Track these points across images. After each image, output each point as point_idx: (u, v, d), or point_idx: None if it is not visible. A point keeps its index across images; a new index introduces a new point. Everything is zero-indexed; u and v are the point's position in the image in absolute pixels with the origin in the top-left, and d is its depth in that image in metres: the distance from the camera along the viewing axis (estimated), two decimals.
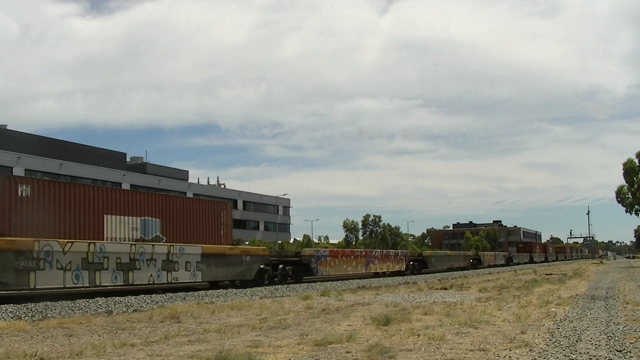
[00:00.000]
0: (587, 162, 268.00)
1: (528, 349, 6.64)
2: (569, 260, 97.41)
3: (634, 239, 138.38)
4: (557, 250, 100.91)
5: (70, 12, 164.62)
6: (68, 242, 16.03)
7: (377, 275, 32.67)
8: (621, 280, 23.49)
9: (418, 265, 38.20)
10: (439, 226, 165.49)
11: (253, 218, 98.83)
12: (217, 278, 21.25)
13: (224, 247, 21.78)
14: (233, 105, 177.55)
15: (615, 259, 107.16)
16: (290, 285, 22.96)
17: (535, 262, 71.12)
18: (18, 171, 63.12)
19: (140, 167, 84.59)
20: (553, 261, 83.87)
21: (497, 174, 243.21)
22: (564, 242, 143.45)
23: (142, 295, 17.03)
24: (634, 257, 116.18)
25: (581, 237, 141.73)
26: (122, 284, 17.47)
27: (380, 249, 39.76)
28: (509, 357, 6.23)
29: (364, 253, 33.01)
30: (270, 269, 23.42)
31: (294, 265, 25.30)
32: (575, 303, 12.68)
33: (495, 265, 53.44)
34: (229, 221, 23.78)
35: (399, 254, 37.08)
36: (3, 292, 15.25)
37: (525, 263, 67.44)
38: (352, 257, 31.12)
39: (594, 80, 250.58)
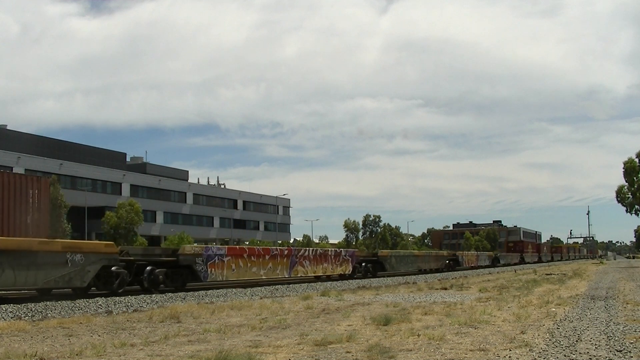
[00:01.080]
0: (587, 162, 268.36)
1: (528, 349, 6.64)
2: (566, 260, 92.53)
3: (634, 239, 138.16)
4: (553, 250, 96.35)
5: (70, 11, 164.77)
6: None
7: (304, 280, 26.06)
8: (621, 280, 23.50)
9: (372, 268, 31.37)
10: (439, 226, 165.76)
11: (253, 218, 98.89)
12: (15, 285, 14.93)
13: (29, 241, 15.44)
14: (233, 105, 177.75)
15: (615, 259, 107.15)
16: (291, 285, 22.84)
17: (527, 263, 65.65)
18: (18, 171, 63.18)
19: (140, 167, 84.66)
20: (548, 262, 78.85)
21: (497, 174, 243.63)
22: (564, 242, 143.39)
23: (142, 295, 17.02)
24: (634, 257, 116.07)
25: (581, 237, 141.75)
26: None
27: (314, 248, 31.90)
28: (509, 357, 6.23)
29: (286, 252, 25.57)
30: (125, 272, 17.55)
31: (171, 268, 19.32)
32: (575, 303, 12.68)
33: (477, 267, 47.83)
34: (45, 204, 18.44)
35: (342, 253, 29.60)
36: (2, 291, 15.21)
37: (515, 264, 61.41)
38: (267, 257, 23.73)
39: (594, 80, 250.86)
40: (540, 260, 76.59)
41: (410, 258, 37.30)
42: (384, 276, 31.10)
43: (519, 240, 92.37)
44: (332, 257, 28.28)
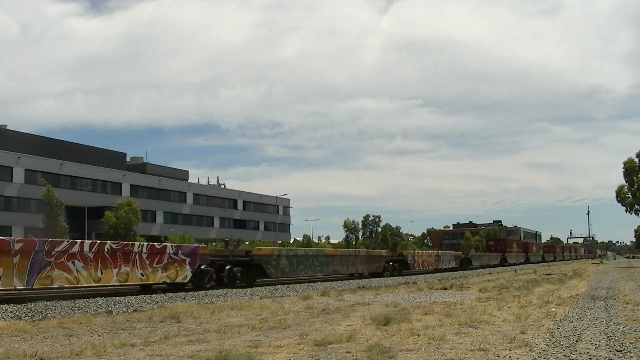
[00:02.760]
0: (587, 162, 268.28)
1: (528, 349, 6.64)
2: (560, 261, 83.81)
3: (634, 239, 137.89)
4: (546, 250, 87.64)
5: (70, 11, 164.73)
6: None
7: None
8: (621, 280, 23.50)
9: (241, 273, 21.56)
10: (439, 226, 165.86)
11: (253, 218, 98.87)
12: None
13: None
14: (233, 105, 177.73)
15: (615, 259, 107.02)
16: (291, 285, 22.90)
17: (510, 265, 55.95)
18: (18, 171, 63.23)
19: (140, 167, 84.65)
20: (539, 262, 70.40)
21: (497, 174, 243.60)
22: (564, 242, 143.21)
23: (142, 295, 17.02)
24: (634, 257, 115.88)
25: (581, 237, 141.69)
26: None
27: (116, 241, 23.12)
28: (509, 357, 6.23)
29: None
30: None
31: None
32: (575, 303, 12.68)
33: (437, 270, 38.60)
34: None
35: (171, 251, 18.87)
36: (2, 291, 15.22)
37: (495, 265, 52.13)
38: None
39: (595, 80, 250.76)
40: (528, 262, 67.63)
41: (317, 259, 27.11)
42: (264, 284, 22.66)
43: (501, 239, 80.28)
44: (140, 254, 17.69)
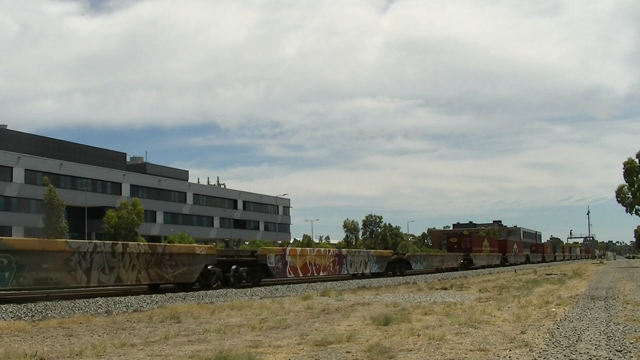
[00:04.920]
0: (587, 162, 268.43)
1: (528, 349, 6.64)
2: (550, 262, 72.99)
3: (634, 239, 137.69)
4: (533, 249, 77.32)
5: (70, 11, 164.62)
6: None
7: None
8: (621, 280, 23.50)
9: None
10: (439, 226, 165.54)
11: (253, 218, 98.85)
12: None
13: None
14: (233, 105, 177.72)
15: (615, 259, 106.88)
16: (291, 285, 22.90)
17: (478, 268, 45.72)
18: (18, 171, 63.23)
19: (140, 167, 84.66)
20: (522, 264, 60.35)
21: (497, 174, 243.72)
22: (564, 242, 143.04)
23: (142, 296, 17.02)
24: (634, 257, 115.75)
25: (581, 237, 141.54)
26: None
27: None
28: (509, 357, 6.23)
29: None
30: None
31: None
32: (575, 303, 12.68)
33: (332, 279, 27.38)
34: None
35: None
36: (2, 291, 15.25)
37: (451, 269, 41.21)
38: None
39: (595, 80, 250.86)
40: (506, 263, 56.36)
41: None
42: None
43: (466, 235, 58.64)
44: None
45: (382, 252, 36.60)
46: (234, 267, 21.17)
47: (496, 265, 51.89)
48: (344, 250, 31.17)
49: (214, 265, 20.36)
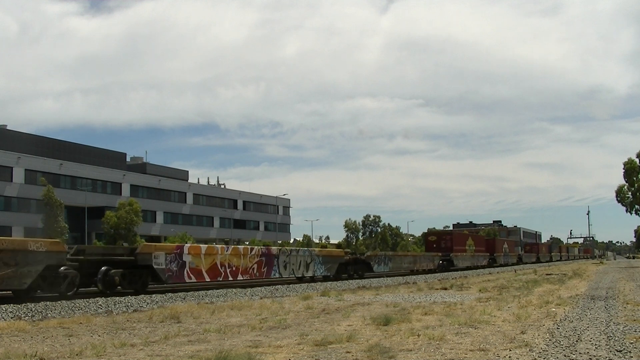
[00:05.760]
0: (587, 162, 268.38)
1: (528, 349, 6.64)
2: (546, 263, 67.21)
3: (634, 239, 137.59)
4: (527, 249, 74.33)
5: (70, 10, 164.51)
6: None
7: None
8: (621, 280, 23.50)
9: None
10: (439, 226, 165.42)
11: (253, 218, 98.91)
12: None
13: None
14: (233, 105, 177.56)
15: (615, 259, 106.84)
16: (291, 285, 22.87)
17: (459, 270, 41.10)
18: (18, 171, 63.26)
19: (140, 167, 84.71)
20: (513, 265, 55.65)
21: (497, 174, 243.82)
22: (564, 242, 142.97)
23: (142, 296, 17.02)
24: (634, 257, 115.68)
25: (581, 237, 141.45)
26: None
27: None
28: (509, 357, 6.23)
29: None
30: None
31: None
32: (575, 303, 12.69)
33: (254, 283, 23.53)
34: None
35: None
36: (2, 291, 15.22)
37: (427, 271, 36.84)
38: None
39: (595, 80, 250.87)
40: (494, 264, 52.41)
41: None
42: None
43: (446, 232, 53.83)
44: None
45: (331, 251, 32.78)
46: (103, 269, 16.98)
47: (482, 267, 47.87)
48: (274, 249, 26.30)
49: (61, 265, 15.82)
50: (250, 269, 23.04)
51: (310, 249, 30.47)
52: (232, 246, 24.28)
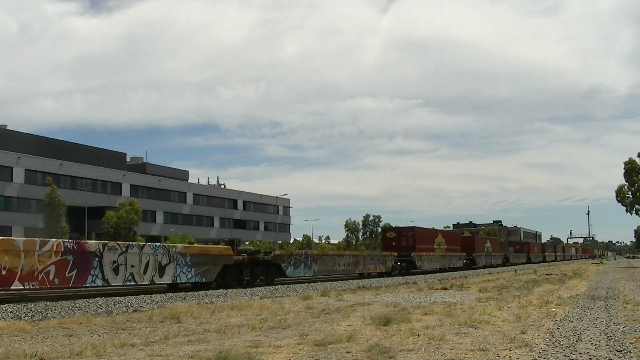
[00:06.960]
0: (587, 162, 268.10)
1: (528, 349, 6.64)
2: (538, 263, 63.28)
3: (634, 239, 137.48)
4: (517, 249, 67.13)
5: (69, 10, 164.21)
6: None
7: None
8: (621, 280, 23.50)
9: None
10: (439, 226, 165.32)
11: (253, 218, 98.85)
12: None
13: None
14: (233, 105, 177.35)
15: (615, 259, 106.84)
16: (291, 285, 22.91)
17: (423, 273, 36.06)
18: (18, 171, 63.24)
19: (140, 167, 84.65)
20: (498, 266, 50.38)
21: (497, 174, 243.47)
22: (564, 242, 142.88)
23: (142, 295, 17.02)
24: (634, 257, 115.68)
25: (581, 237, 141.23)
26: None
27: None
28: (509, 357, 6.23)
29: None
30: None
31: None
32: (575, 303, 12.68)
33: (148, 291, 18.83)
34: None
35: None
36: (2, 291, 15.22)
37: (385, 274, 32.68)
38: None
39: (596, 80, 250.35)
40: (473, 265, 46.54)
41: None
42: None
43: (408, 228, 41.18)
44: None
45: (209, 248, 22.67)
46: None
47: (455, 269, 41.91)
48: (91, 243, 17.73)
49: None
50: (42, 274, 15.63)
51: (165, 245, 21.46)
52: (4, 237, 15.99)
